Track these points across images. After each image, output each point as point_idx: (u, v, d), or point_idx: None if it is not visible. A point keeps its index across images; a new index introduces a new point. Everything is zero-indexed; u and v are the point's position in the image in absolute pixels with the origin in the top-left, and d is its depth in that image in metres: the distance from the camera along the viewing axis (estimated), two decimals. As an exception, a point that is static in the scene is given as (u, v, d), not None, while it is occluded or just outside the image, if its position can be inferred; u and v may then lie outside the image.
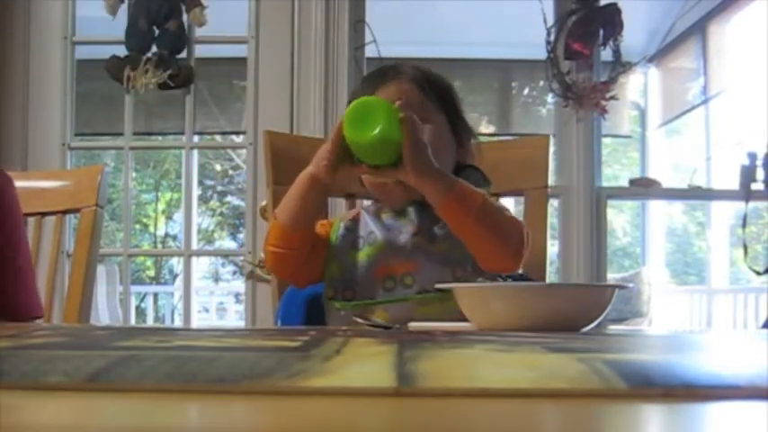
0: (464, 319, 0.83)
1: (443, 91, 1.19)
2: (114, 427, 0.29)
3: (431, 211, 1.09)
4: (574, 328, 0.75)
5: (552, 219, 3.10)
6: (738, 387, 0.33)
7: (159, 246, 8.11)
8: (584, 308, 0.77)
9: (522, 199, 1.42)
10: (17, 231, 1.23)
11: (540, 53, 2.64)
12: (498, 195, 1.36)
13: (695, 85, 4.78)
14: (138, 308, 6.75)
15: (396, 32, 3.06)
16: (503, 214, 1.06)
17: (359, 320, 1.02)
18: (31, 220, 1.54)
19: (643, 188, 2.90)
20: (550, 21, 2.60)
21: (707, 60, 4.45)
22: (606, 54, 2.63)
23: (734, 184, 2.76)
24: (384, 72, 1.17)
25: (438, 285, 0.90)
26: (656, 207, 5.13)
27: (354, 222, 1.16)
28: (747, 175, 2.69)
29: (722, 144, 4.51)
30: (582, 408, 0.31)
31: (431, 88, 1.17)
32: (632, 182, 2.92)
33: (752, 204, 2.79)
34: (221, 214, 8.25)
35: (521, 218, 1.22)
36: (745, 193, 2.70)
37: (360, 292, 1.11)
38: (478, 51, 4.44)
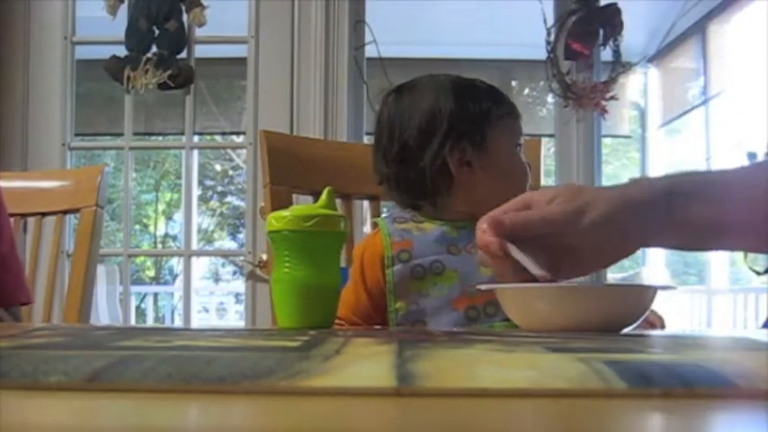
0: None
1: None
2: (114, 427, 0.29)
3: None
4: (616, 330, 0.75)
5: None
6: (738, 387, 0.33)
7: (159, 246, 8.11)
8: (627, 309, 0.77)
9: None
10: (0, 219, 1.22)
11: (540, 53, 2.64)
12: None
13: (695, 85, 4.78)
14: (138, 308, 6.75)
15: (396, 32, 3.06)
16: None
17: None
18: (31, 220, 1.54)
19: (643, 188, 2.90)
20: (550, 21, 2.60)
21: (707, 60, 4.45)
22: (606, 54, 2.63)
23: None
24: (510, 105, 1.14)
25: (479, 286, 0.87)
26: (656, 207, 5.11)
27: (407, 252, 1.07)
28: (747, 174, 2.69)
29: (722, 144, 4.51)
30: (582, 408, 0.31)
31: None
32: (632, 182, 2.92)
33: (752, 204, 2.78)
34: (221, 214, 8.25)
35: None
36: (745, 193, 2.69)
37: (433, 323, 1.04)
38: (478, 51, 4.43)
